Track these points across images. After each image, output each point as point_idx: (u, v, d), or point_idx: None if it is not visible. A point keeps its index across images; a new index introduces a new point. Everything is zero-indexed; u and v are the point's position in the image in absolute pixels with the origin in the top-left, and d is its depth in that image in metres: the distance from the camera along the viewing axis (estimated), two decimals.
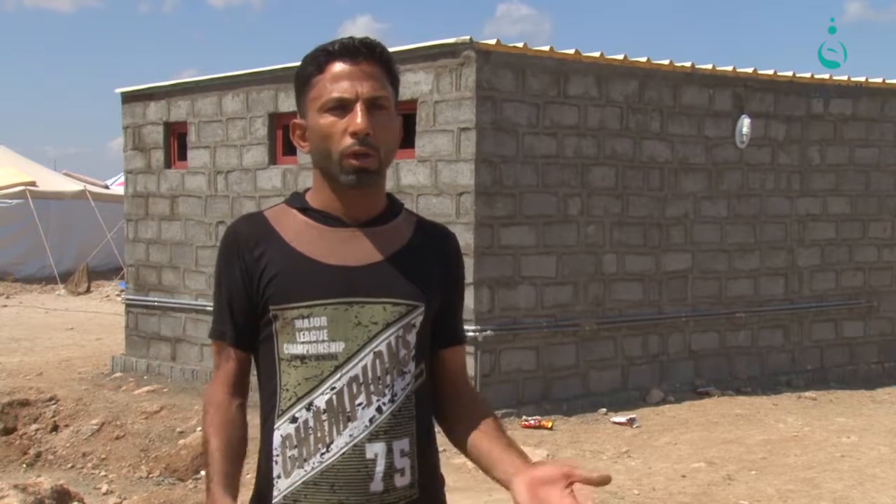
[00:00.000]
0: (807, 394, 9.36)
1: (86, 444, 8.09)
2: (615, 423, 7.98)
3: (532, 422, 7.83)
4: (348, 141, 1.90)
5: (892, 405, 9.12)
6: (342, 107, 1.91)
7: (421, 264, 2.00)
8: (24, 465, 8.00)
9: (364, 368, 1.92)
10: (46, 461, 8.02)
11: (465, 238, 7.82)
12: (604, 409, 8.33)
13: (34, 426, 8.61)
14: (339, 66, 1.92)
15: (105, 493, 7.09)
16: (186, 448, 7.63)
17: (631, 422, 7.93)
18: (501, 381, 8.11)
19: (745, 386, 9.45)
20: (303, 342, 1.92)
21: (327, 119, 1.92)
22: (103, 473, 7.65)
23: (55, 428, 8.54)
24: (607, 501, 5.85)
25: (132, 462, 7.74)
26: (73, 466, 7.86)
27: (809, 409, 8.74)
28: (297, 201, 2.03)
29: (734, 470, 6.53)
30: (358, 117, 1.89)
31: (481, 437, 1.97)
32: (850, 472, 6.52)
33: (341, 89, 1.91)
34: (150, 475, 7.52)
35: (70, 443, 8.16)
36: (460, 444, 2.01)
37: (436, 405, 2.06)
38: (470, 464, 6.76)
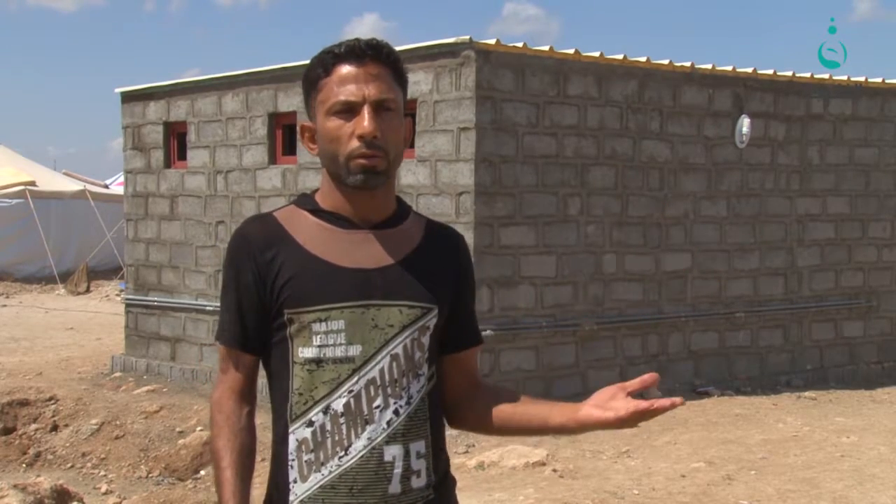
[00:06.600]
0: (806, 394, 9.36)
1: (85, 443, 8.09)
2: None
3: None
4: (355, 143, 1.89)
5: (891, 405, 9.12)
6: (349, 110, 1.90)
7: (433, 267, 2.01)
8: (24, 465, 7.99)
9: (381, 371, 1.91)
10: (46, 461, 8.02)
11: (465, 238, 7.81)
12: None
13: (34, 426, 8.61)
14: (345, 69, 1.91)
15: (105, 493, 7.09)
16: (186, 448, 7.63)
17: None
18: (501, 381, 8.10)
19: (744, 386, 9.46)
20: (319, 345, 1.90)
21: (335, 122, 1.91)
22: (103, 473, 7.65)
23: (55, 428, 8.54)
24: (607, 501, 5.85)
25: (132, 462, 7.74)
26: (72, 466, 7.86)
27: (809, 408, 8.74)
28: (307, 202, 2.01)
29: (734, 470, 6.53)
30: (365, 120, 1.88)
31: (525, 404, 2.04)
32: (850, 472, 6.52)
33: (348, 92, 1.90)
34: (150, 475, 7.52)
35: (70, 442, 8.16)
36: (500, 422, 2.04)
37: (453, 406, 2.08)
38: (470, 463, 6.71)
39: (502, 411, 2.03)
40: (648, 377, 1.86)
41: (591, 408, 1.89)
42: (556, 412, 1.97)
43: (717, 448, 7.11)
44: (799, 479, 6.35)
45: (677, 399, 1.80)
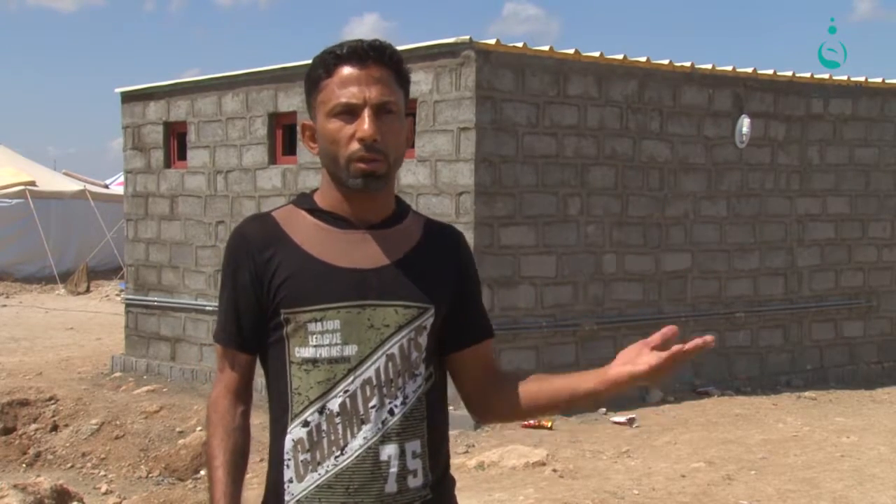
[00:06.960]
0: (806, 394, 9.36)
1: (85, 443, 8.09)
2: (615, 422, 7.98)
3: (532, 421, 7.82)
4: (355, 146, 1.89)
5: (891, 405, 9.13)
6: (350, 112, 1.90)
7: (431, 266, 2.00)
8: (24, 465, 7.99)
9: (377, 371, 1.91)
10: (46, 461, 8.01)
11: (465, 238, 7.81)
12: (603, 409, 8.33)
13: (34, 426, 8.61)
14: (347, 70, 1.91)
15: (104, 493, 7.09)
16: (186, 448, 7.63)
17: (630, 422, 7.92)
18: None
19: (744, 386, 9.46)
20: (315, 345, 1.91)
21: (335, 124, 1.91)
22: (103, 473, 7.65)
23: (55, 428, 8.54)
24: (607, 501, 5.85)
25: (132, 462, 7.74)
26: (72, 466, 7.86)
27: (809, 408, 8.74)
28: (305, 202, 2.02)
29: (734, 470, 6.53)
30: (365, 123, 1.88)
31: (549, 380, 2.02)
32: (850, 472, 6.52)
33: (349, 94, 1.89)
34: (150, 475, 7.52)
35: (69, 442, 8.15)
36: (528, 402, 2.02)
37: (479, 400, 2.07)
38: (470, 463, 6.70)
39: (529, 391, 2.02)
40: (668, 330, 1.87)
41: (620, 366, 1.90)
42: (582, 380, 1.97)
43: (717, 448, 7.11)
44: (799, 479, 6.35)
45: (708, 337, 1.82)
